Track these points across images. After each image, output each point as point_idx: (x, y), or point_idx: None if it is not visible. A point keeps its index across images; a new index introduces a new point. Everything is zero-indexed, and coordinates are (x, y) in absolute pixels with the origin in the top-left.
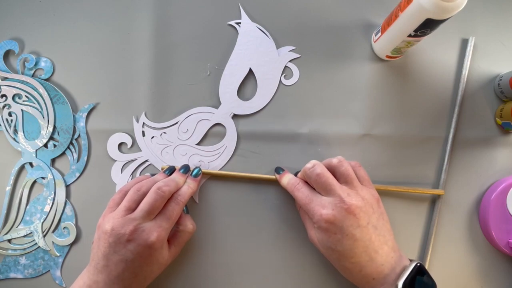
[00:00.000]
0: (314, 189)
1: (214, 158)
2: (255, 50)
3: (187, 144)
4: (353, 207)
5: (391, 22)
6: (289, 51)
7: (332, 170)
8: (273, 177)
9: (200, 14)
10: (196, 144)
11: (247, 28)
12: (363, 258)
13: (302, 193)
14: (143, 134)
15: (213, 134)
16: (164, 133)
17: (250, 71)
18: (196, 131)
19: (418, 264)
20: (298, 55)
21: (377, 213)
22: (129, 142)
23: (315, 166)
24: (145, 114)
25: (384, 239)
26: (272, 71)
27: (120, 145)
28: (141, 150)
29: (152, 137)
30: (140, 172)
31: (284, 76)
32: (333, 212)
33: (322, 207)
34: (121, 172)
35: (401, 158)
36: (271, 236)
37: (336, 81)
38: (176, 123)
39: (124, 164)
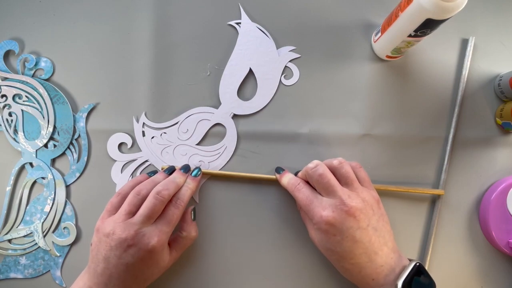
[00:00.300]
0: (314, 189)
1: (214, 158)
2: (255, 50)
3: (187, 144)
4: (354, 209)
5: (391, 22)
6: (289, 51)
7: (333, 171)
8: (273, 177)
9: (200, 14)
10: (196, 144)
11: (247, 28)
12: (363, 259)
13: (302, 193)
14: (143, 134)
15: (213, 134)
16: (164, 133)
17: (250, 71)
18: (196, 131)
19: (418, 264)
20: (298, 55)
21: (377, 215)
22: (129, 142)
23: (317, 166)
24: (145, 114)
25: (384, 240)
26: (272, 71)
27: (120, 145)
28: (141, 150)
29: (152, 137)
30: (140, 172)
31: (284, 76)
32: (333, 214)
33: (323, 208)
34: (121, 172)
35: (401, 158)
36: (271, 236)
37: (336, 81)
38: (176, 123)
39: (124, 164)
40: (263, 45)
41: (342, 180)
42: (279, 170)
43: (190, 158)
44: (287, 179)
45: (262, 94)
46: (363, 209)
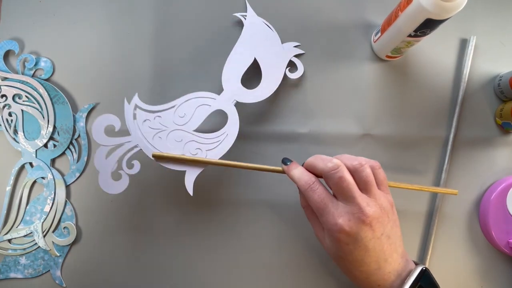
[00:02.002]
0: (327, 189)
1: (213, 146)
2: (260, 42)
3: (184, 129)
4: (371, 219)
5: (391, 22)
6: (294, 46)
7: (352, 172)
8: (279, 168)
9: (204, 8)
10: (194, 130)
11: (253, 21)
12: (372, 267)
13: (318, 195)
14: (134, 117)
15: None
16: (159, 116)
17: (255, 62)
18: (194, 116)
19: (424, 268)
20: (303, 51)
21: (392, 221)
22: (117, 124)
23: (339, 168)
24: (138, 95)
25: (394, 247)
26: (277, 63)
27: (107, 129)
28: (130, 135)
29: (145, 121)
30: (128, 159)
31: (289, 69)
32: (349, 223)
33: (338, 215)
34: (106, 158)
35: (401, 158)
36: (270, 232)
37: (336, 81)
38: (173, 106)
39: (110, 149)
40: (268, 38)
41: (361, 184)
42: (286, 161)
43: (185, 145)
44: (298, 173)
45: (267, 84)
46: (380, 218)
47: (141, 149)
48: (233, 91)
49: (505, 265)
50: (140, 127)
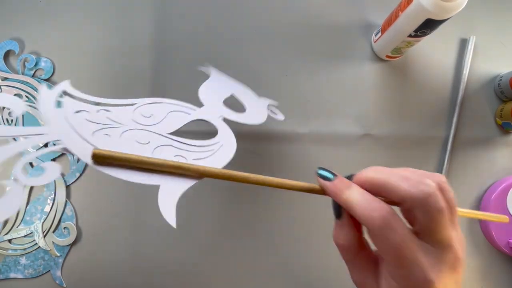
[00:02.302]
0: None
1: (204, 156)
2: (234, 91)
3: (152, 130)
4: (462, 262)
5: (391, 22)
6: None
7: None
8: (314, 186)
9: (200, 13)
10: (169, 134)
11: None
12: None
13: (399, 236)
14: (59, 106)
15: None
16: (106, 110)
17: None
18: (167, 119)
19: None
20: (276, 103)
21: None
22: (16, 109)
23: (437, 194)
24: (70, 83)
25: None
26: (257, 106)
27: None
28: (43, 125)
29: (78, 112)
30: (32, 164)
31: (271, 111)
32: (441, 274)
33: (429, 267)
34: None
35: (401, 158)
36: (270, 237)
37: (336, 81)
38: (133, 104)
39: None
40: (239, 91)
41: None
42: (326, 174)
43: (156, 150)
44: (359, 198)
45: (252, 116)
46: (464, 258)
47: (66, 147)
48: (216, 107)
49: (505, 265)
50: (68, 117)
